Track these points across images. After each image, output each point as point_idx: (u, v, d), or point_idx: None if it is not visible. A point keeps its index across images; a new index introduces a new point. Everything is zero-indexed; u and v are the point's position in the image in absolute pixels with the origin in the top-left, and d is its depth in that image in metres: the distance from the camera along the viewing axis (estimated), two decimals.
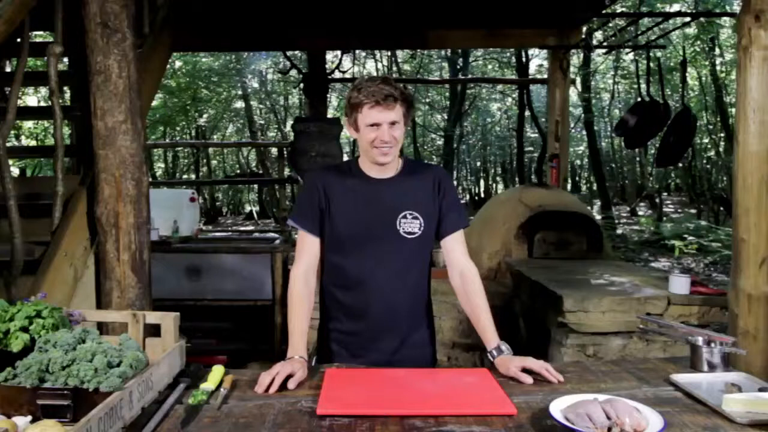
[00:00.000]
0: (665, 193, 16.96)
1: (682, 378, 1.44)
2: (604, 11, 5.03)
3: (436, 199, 1.74)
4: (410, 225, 1.68)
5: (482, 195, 22.44)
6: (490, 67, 17.24)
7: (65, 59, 3.81)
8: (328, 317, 1.79)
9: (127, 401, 1.15)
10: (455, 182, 21.13)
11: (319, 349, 1.81)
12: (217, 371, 1.45)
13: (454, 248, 1.77)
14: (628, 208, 15.85)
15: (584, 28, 5.95)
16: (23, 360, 1.22)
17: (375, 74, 15.00)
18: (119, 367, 1.22)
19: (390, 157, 1.66)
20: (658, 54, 8.62)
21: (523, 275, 3.66)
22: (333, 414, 1.24)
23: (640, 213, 15.20)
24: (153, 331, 1.56)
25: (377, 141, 1.62)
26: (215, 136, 19.58)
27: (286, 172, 7.83)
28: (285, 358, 1.56)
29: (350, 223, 1.70)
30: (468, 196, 23.23)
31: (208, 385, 1.38)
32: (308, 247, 1.73)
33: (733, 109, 4.02)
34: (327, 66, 6.87)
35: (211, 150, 18.76)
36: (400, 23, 5.21)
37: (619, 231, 11.35)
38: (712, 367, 1.52)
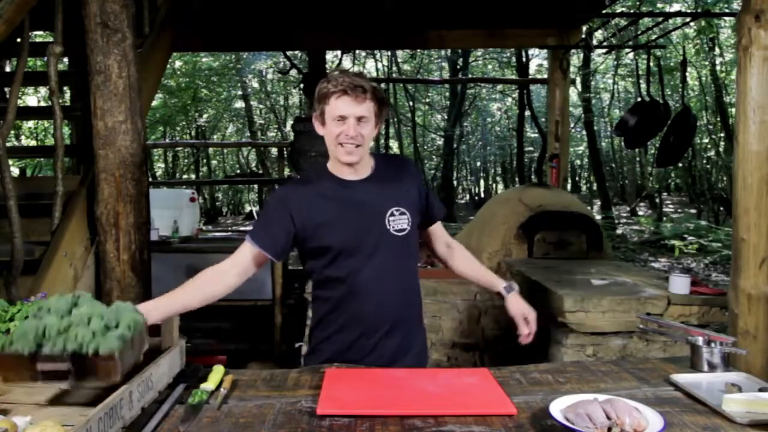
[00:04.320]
0: (665, 193, 16.98)
1: (682, 378, 1.44)
2: (604, 11, 5.03)
3: (418, 194, 1.73)
4: (399, 222, 1.64)
5: (482, 195, 22.47)
6: (490, 67, 17.26)
7: (65, 59, 3.81)
8: (321, 328, 1.72)
9: (127, 401, 1.15)
10: (455, 182, 21.14)
11: (313, 357, 1.73)
12: (217, 371, 1.45)
13: (441, 233, 1.88)
14: (628, 208, 15.85)
15: (584, 28, 5.95)
16: (18, 327, 1.20)
17: (375, 74, 15.05)
18: (117, 329, 1.21)
19: (356, 157, 1.58)
20: (658, 54, 8.62)
21: (523, 275, 3.66)
22: (333, 414, 1.24)
23: (640, 213, 15.21)
24: (153, 331, 1.56)
25: (342, 136, 1.55)
26: (215, 136, 19.60)
27: (286, 172, 7.83)
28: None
29: (338, 232, 1.61)
30: (468, 196, 23.26)
31: (208, 385, 1.38)
32: (236, 257, 1.62)
33: (733, 109, 4.02)
34: (327, 66, 6.87)
35: (211, 150, 18.79)
36: (400, 23, 5.20)
37: (619, 231, 11.35)
38: (712, 367, 1.52)
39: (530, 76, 14.25)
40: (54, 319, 1.20)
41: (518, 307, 1.71)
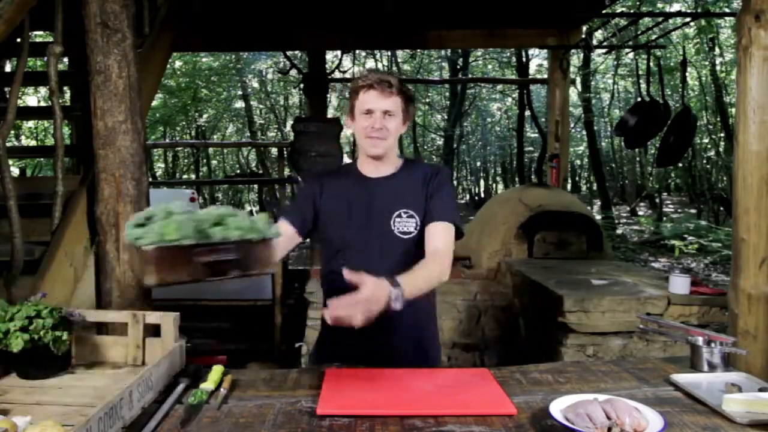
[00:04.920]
0: (665, 193, 16.98)
1: (682, 378, 1.44)
2: (604, 11, 5.03)
3: (424, 192, 1.65)
4: (405, 224, 1.63)
5: (482, 195, 22.47)
6: (490, 67, 17.26)
7: (65, 59, 3.81)
8: (324, 325, 1.72)
9: (127, 401, 1.15)
10: (455, 182, 21.14)
11: (319, 357, 1.76)
12: (217, 371, 1.45)
13: (435, 236, 1.61)
14: (628, 208, 15.85)
15: (584, 28, 5.95)
16: (163, 224, 1.10)
17: None
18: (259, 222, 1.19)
19: (381, 150, 1.62)
20: (658, 54, 8.63)
21: (523, 275, 3.66)
22: (333, 414, 1.24)
23: (640, 213, 15.21)
24: (153, 331, 1.56)
25: (369, 129, 1.59)
26: (215, 136, 19.60)
27: (286, 172, 7.83)
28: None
29: (343, 226, 1.66)
30: (468, 196, 23.27)
31: (208, 385, 1.38)
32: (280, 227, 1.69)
33: (733, 109, 4.02)
34: (327, 66, 6.87)
35: (211, 150, 18.79)
36: (400, 23, 5.21)
37: (619, 231, 11.35)
38: (712, 367, 1.52)
39: (530, 76, 14.25)
40: (202, 213, 1.14)
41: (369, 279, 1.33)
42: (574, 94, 13.10)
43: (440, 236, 1.61)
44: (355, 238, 1.65)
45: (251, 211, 1.25)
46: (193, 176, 18.86)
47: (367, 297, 1.28)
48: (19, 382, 1.41)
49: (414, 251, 1.66)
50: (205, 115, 18.22)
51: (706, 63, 12.66)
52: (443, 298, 3.74)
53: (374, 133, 1.59)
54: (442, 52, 15.28)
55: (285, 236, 1.64)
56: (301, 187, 1.84)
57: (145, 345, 1.54)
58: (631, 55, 6.67)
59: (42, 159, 12.01)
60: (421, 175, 1.70)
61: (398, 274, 1.62)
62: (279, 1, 4.71)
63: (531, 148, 18.74)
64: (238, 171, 18.75)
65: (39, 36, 6.54)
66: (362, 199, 1.66)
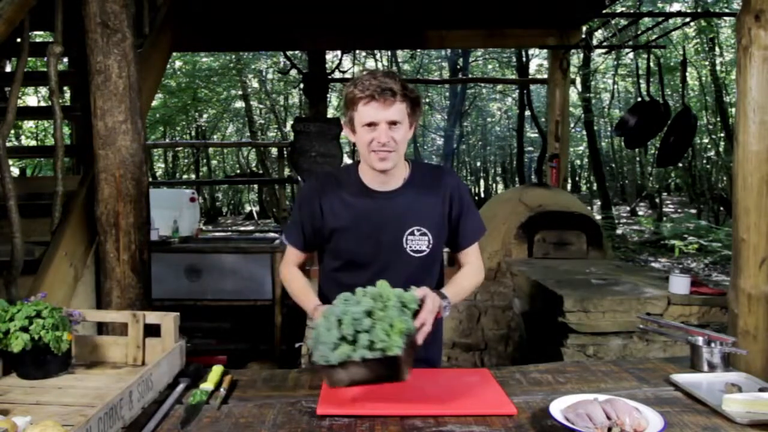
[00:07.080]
0: (665, 193, 16.96)
1: (682, 378, 1.44)
2: (604, 11, 5.04)
3: (446, 212, 1.60)
4: (418, 242, 1.55)
5: (482, 195, 22.46)
6: (490, 67, 17.27)
7: (65, 59, 3.81)
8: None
9: (127, 401, 1.15)
10: None
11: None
12: (217, 371, 1.45)
13: (470, 254, 1.69)
14: (628, 208, 15.85)
15: (584, 28, 5.95)
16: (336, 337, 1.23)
17: None
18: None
19: (390, 163, 1.48)
20: (658, 54, 8.63)
21: (523, 275, 3.66)
22: (333, 414, 1.24)
23: (640, 213, 15.21)
24: (153, 331, 1.56)
25: (374, 143, 1.45)
26: (215, 136, 19.59)
27: (286, 172, 7.84)
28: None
29: (351, 241, 1.57)
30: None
31: (208, 385, 1.38)
32: (293, 258, 1.71)
33: (733, 109, 4.02)
34: (327, 66, 6.88)
35: (211, 150, 18.79)
36: (400, 23, 5.21)
37: (619, 231, 11.35)
38: (712, 367, 1.52)
39: (530, 76, 14.25)
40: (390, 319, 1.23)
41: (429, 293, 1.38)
42: (574, 94, 13.10)
43: (474, 252, 1.69)
44: (363, 254, 1.57)
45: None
46: (193, 176, 18.84)
47: (431, 309, 1.34)
48: (19, 382, 1.41)
49: (425, 268, 1.61)
50: (205, 115, 18.22)
51: (706, 63, 12.66)
52: None
53: (380, 148, 1.45)
54: (442, 52, 15.27)
55: (298, 257, 1.70)
56: (300, 200, 1.73)
57: (145, 345, 1.54)
58: (631, 55, 6.68)
59: (42, 159, 12.00)
60: (440, 189, 1.60)
61: (408, 290, 1.60)
62: (279, 1, 4.71)
63: (531, 148, 18.74)
64: (238, 171, 18.74)
65: (39, 36, 6.54)
66: (372, 216, 1.56)
